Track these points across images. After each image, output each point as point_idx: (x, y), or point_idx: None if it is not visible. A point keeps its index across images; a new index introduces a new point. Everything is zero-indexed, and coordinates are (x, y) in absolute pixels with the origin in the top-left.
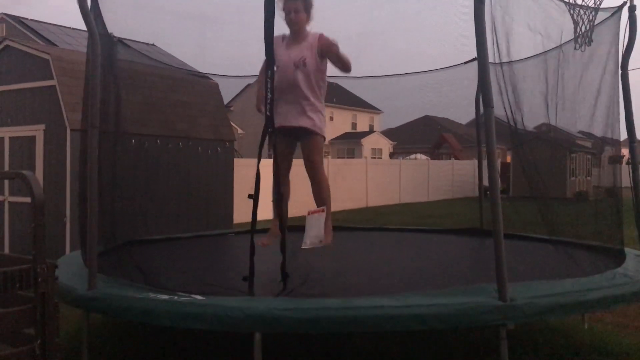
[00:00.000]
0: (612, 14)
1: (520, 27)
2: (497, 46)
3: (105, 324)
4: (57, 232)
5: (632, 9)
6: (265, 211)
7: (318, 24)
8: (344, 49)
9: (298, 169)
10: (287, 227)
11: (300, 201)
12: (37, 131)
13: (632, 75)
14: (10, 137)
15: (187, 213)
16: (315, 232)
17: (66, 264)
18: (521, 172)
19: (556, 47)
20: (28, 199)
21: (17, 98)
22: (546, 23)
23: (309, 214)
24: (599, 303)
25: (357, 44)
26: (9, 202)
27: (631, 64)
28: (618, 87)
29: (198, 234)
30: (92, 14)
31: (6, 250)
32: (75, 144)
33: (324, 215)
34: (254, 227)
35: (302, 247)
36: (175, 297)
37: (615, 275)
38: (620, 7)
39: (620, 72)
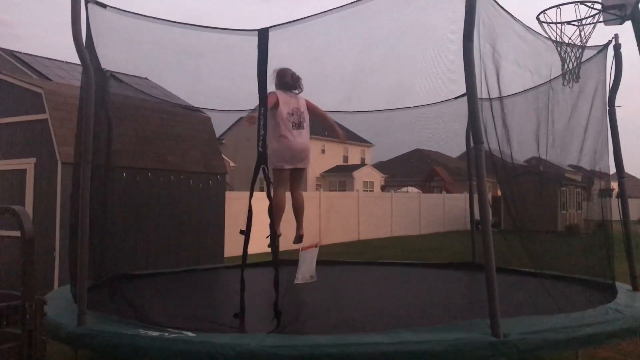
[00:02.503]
0: (599, 52)
1: (509, 64)
2: (487, 82)
3: None
4: (46, 266)
5: (617, 47)
6: (257, 246)
7: (313, 64)
8: (339, 87)
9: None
10: (282, 261)
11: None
12: (28, 164)
13: (618, 112)
14: (0, 171)
15: (178, 246)
16: (307, 268)
17: (55, 299)
18: (508, 207)
19: (545, 83)
20: (16, 233)
21: (8, 131)
22: (535, 60)
23: (302, 249)
24: (592, 339)
25: (350, 81)
26: None
27: (618, 101)
28: (606, 122)
29: (189, 269)
30: (86, 50)
31: None
32: (66, 177)
33: (316, 250)
34: (244, 263)
35: (295, 282)
36: (166, 334)
37: (608, 310)
38: (606, 45)
39: (607, 108)
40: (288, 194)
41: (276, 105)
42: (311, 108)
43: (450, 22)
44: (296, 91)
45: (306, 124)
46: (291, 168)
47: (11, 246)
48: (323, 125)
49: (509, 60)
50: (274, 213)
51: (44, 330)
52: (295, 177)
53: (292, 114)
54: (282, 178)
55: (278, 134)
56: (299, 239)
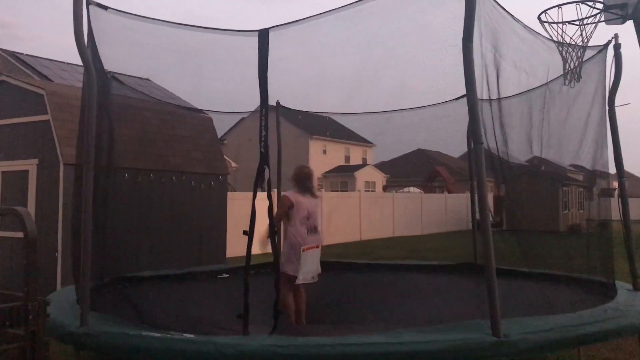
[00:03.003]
0: (599, 52)
1: (507, 65)
2: (488, 83)
3: None
4: (48, 266)
5: (617, 47)
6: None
7: (313, 65)
8: (339, 88)
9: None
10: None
11: None
12: (30, 165)
13: (618, 112)
14: (3, 172)
15: (180, 247)
16: (309, 268)
17: (58, 299)
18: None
19: (543, 84)
20: (17, 234)
21: (10, 132)
22: (532, 61)
23: (303, 250)
24: (592, 337)
25: (350, 82)
26: None
27: (617, 100)
28: (606, 122)
29: (191, 270)
30: (88, 51)
31: None
32: (68, 178)
33: (318, 251)
34: (248, 264)
35: (296, 282)
36: (168, 335)
37: (608, 309)
38: (606, 45)
39: (607, 108)
40: None
41: (291, 207)
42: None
43: (451, 22)
44: (310, 195)
45: (318, 231)
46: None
47: (14, 247)
48: None
49: (507, 61)
50: (289, 312)
51: (46, 331)
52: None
53: (309, 218)
54: (290, 281)
55: (294, 239)
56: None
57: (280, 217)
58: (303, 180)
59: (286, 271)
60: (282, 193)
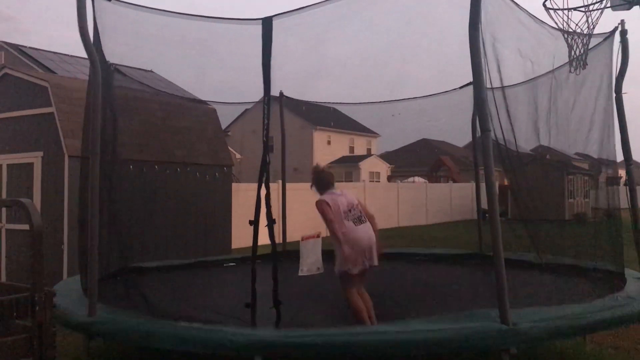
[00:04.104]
0: (605, 39)
1: (512, 53)
2: (488, 72)
3: (104, 352)
4: (54, 258)
5: (624, 33)
6: (265, 236)
7: (317, 54)
8: (343, 77)
9: (294, 194)
10: (288, 252)
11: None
12: (35, 158)
13: (625, 98)
14: (8, 165)
15: (185, 238)
16: (313, 259)
17: (65, 289)
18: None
19: (548, 72)
20: (25, 227)
21: (15, 125)
22: (537, 49)
23: (302, 239)
24: (601, 325)
25: (354, 71)
26: (6, 230)
27: (624, 87)
28: (612, 109)
29: (197, 260)
30: (92, 43)
31: (3, 278)
32: (73, 170)
33: (319, 241)
34: (255, 253)
35: (299, 274)
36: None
37: (617, 297)
38: (613, 32)
39: (614, 95)
40: None
41: (331, 208)
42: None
43: (455, 10)
44: (337, 191)
45: (365, 217)
46: (363, 269)
47: (20, 240)
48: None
49: (511, 49)
50: (356, 317)
51: (53, 321)
52: (362, 277)
53: (350, 210)
54: (352, 280)
55: (343, 237)
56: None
57: (329, 223)
58: (326, 183)
59: (346, 270)
60: (316, 201)
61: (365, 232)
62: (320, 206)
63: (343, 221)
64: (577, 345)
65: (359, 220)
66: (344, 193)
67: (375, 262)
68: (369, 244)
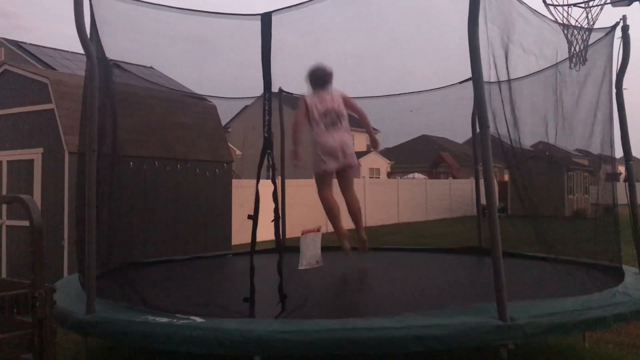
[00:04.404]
0: (606, 34)
1: (515, 47)
2: (495, 65)
3: (104, 349)
4: (54, 255)
5: (625, 28)
6: (264, 232)
7: (316, 49)
8: (342, 71)
9: (296, 190)
10: (287, 247)
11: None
12: (35, 155)
13: (626, 94)
14: (8, 161)
15: (185, 235)
16: (312, 253)
17: (64, 287)
18: (518, 191)
19: (551, 66)
20: (26, 223)
21: (15, 122)
22: (540, 43)
23: (303, 234)
24: (599, 322)
25: (354, 66)
26: (7, 226)
27: (625, 83)
28: (613, 105)
29: (196, 256)
30: (90, 39)
31: (3, 274)
32: (73, 167)
33: (319, 235)
34: (253, 248)
35: (299, 268)
36: (174, 320)
37: (615, 293)
38: (614, 27)
39: (614, 90)
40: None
41: (307, 111)
42: (349, 106)
43: (455, 5)
44: (328, 88)
45: (344, 122)
46: (331, 170)
47: (21, 236)
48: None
49: (515, 43)
50: (327, 216)
51: (54, 317)
52: (343, 179)
53: (325, 115)
54: (323, 181)
55: (313, 138)
56: (362, 244)
57: (296, 123)
58: (317, 75)
59: (315, 170)
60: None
61: (332, 137)
62: (298, 104)
63: (318, 123)
64: (575, 341)
65: (331, 125)
66: (332, 96)
67: (351, 162)
68: (338, 146)
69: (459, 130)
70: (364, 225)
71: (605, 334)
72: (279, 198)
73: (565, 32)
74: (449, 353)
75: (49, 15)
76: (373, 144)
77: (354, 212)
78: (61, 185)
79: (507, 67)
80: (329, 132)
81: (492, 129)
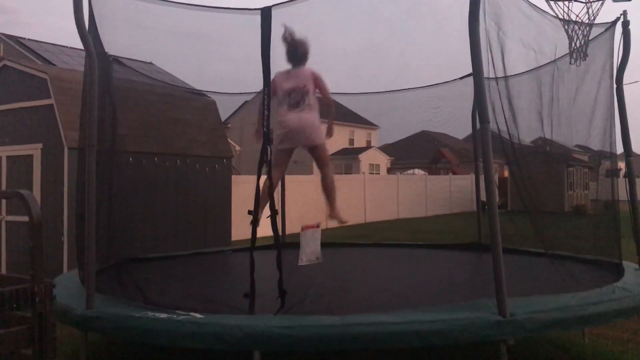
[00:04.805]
0: (606, 29)
1: (514, 43)
2: (492, 62)
3: (104, 344)
4: (54, 250)
5: (625, 24)
6: (264, 227)
7: (316, 44)
8: (342, 66)
9: (295, 186)
10: (286, 243)
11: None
12: (34, 150)
13: (626, 90)
14: (7, 156)
15: (185, 230)
16: (312, 249)
17: (64, 283)
18: (518, 187)
19: (551, 62)
20: (25, 218)
21: (14, 117)
22: (539, 39)
23: (302, 229)
24: (599, 317)
25: (353, 61)
26: (6, 221)
27: (626, 78)
28: (613, 100)
29: (196, 252)
30: (89, 35)
31: (3, 269)
32: (72, 162)
33: (319, 231)
34: (254, 243)
35: (299, 264)
36: (174, 316)
37: (615, 289)
38: (614, 23)
39: (615, 86)
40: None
41: (275, 91)
42: (319, 87)
43: (455, 0)
44: (300, 67)
45: (309, 100)
46: (286, 148)
47: (20, 231)
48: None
49: (514, 39)
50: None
51: (53, 313)
52: (313, 159)
53: (290, 94)
54: (275, 160)
55: (276, 118)
56: (339, 221)
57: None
58: (291, 55)
59: (274, 148)
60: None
61: (292, 119)
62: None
63: (282, 103)
64: (574, 336)
65: (295, 105)
66: (301, 74)
67: (314, 142)
68: (297, 126)
69: (459, 126)
70: (337, 202)
71: (605, 330)
72: (273, 193)
73: (566, 27)
74: (448, 348)
75: (48, 10)
76: (328, 132)
77: (324, 189)
78: (61, 181)
79: (504, 63)
80: (292, 111)
81: (492, 125)
